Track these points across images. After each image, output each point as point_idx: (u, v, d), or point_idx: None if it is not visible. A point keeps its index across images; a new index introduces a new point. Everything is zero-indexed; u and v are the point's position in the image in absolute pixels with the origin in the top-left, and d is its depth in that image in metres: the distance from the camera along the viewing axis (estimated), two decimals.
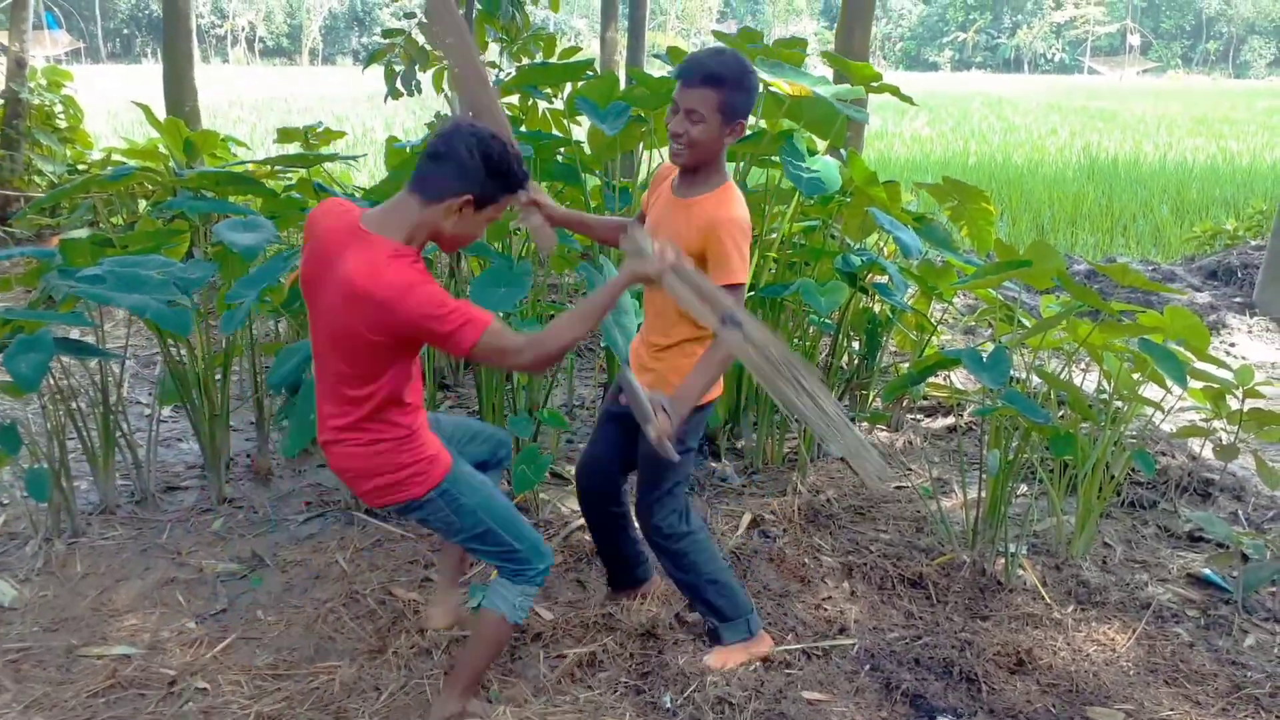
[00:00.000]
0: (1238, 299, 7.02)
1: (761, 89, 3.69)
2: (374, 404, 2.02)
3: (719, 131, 2.23)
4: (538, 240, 2.44)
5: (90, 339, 3.72)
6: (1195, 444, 4.15)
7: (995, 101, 30.79)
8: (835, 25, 6.45)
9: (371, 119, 19.08)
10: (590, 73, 4.00)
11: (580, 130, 4.64)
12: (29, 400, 3.72)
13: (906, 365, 4.45)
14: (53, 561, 3.00)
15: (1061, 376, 3.36)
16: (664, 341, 2.40)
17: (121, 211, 6.32)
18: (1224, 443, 3.67)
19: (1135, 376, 3.35)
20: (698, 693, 2.42)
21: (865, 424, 4.25)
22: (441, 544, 2.66)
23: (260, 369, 3.73)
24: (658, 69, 4.25)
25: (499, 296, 2.83)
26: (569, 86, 4.15)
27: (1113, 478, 3.27)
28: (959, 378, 4.90)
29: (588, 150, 4.07)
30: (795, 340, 3.97)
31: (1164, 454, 4.04)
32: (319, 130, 5.63)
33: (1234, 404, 3.59)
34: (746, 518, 3.39)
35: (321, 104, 22.52)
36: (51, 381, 3.14)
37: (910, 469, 4.02)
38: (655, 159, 4.35)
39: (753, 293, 3.74)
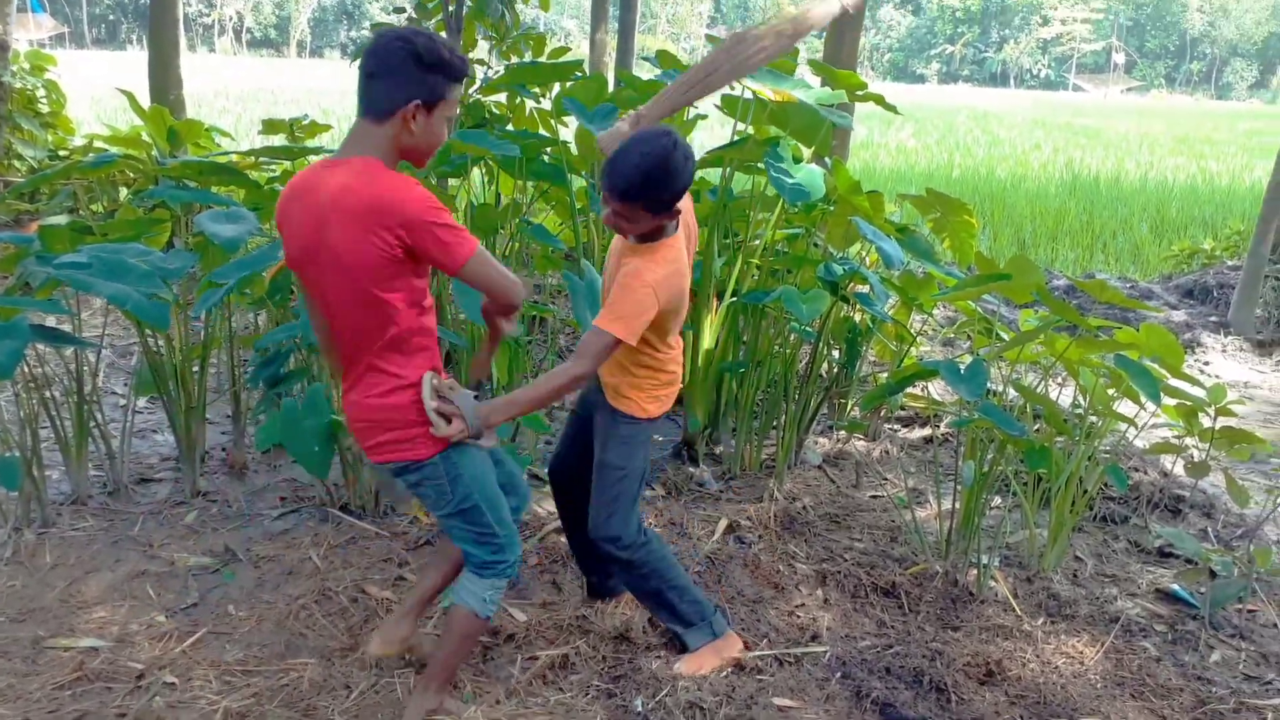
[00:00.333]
0: (1213, 318, 7.10)
1: (750, 95, 3.71)
2: (390, 343, 1.99)
3: (651, 221, 2.24)
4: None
5: (66, 327, 3.69)
6: (1167, 460, 4.20)
7: (981, 115, 31.02)
8: (824, 34, 6.47)
9: None
10: (579, 73, 4.01)
11: (567, 131, 4.65)
12: (2, 388, 3.68)
13: (885, 375, 4.47)
14: (21, 551, 2.96)
15: (1038, 390, 3.39)
16: (614, 361, 2.41)
17: (102, 199, 6.25)
18: (1195, 460, 3.72)
19: (1110, 392, 3.38)
20: (669, 697, 2.42)
21: (843, 432, 4.27)
22: (421, 570, 2.64)
23: (238, 362, 3.71)
24: (647, 72, 4.26)
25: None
26: (557, 86, 4.15)
27: (1085, 492, 3.30)
28: (937, 389, 4.93)
29: (574, 151, 4.08)
30: (776, 347, 3.99)
31: (1136, 469, 4.09)
32: (304, 123, 5.61)
33: (1206, 422, 3.63)
34: (723, 523, 3.40)
35: (308, 97, 22.41)
36: (26, 369, 3.11)
37: (886, 479, 4.04)
38: None
39: (735, 298, 3.75)
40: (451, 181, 4.80)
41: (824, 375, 4.31)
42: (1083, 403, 3.52)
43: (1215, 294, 7.66)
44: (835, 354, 4.31)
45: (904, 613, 2.95)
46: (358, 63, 1.99)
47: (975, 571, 3.13)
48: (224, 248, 3.10)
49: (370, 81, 1.92)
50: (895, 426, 4.61)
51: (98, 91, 16.91)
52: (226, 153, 4.56)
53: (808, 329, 3.73)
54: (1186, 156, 20.15)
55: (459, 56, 1.97)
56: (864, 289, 3.84)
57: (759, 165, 3.75)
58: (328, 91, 24.44)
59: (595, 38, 10.31)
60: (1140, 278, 8.78)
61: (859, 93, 4.00)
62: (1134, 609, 3.10)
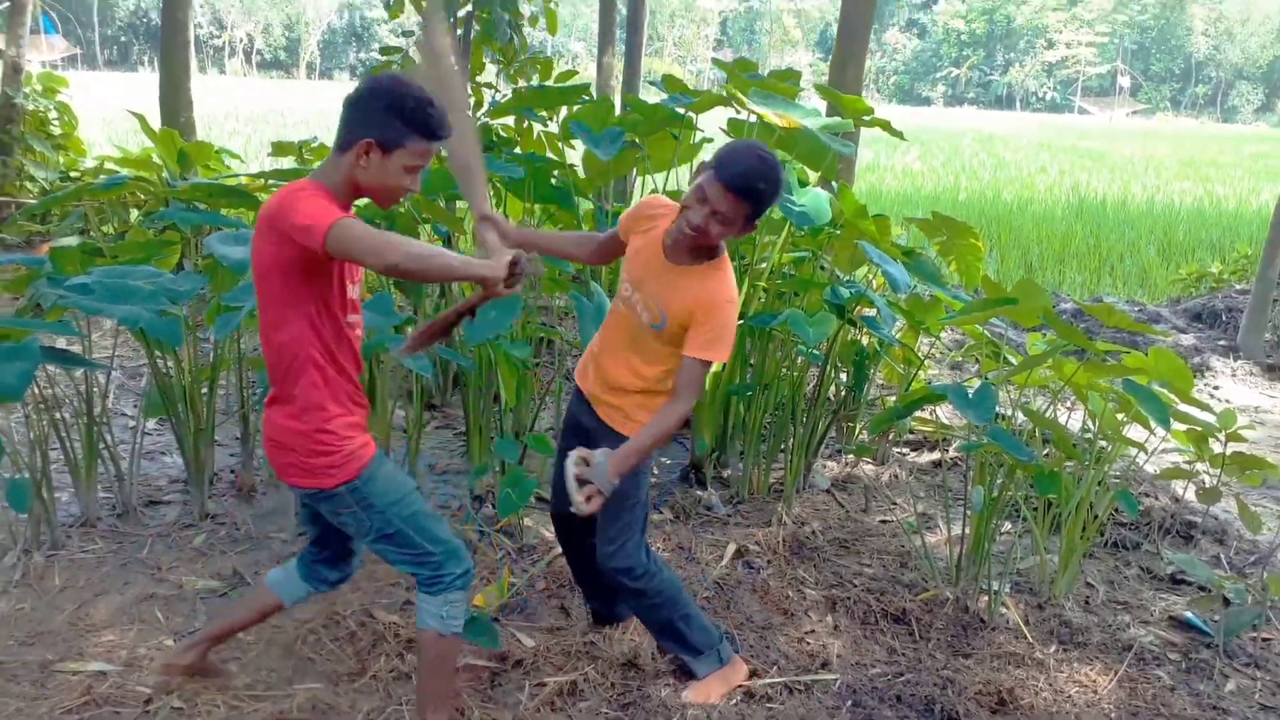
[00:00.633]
0: (1222, 342, 7.08)
1: (755, 119, 3.73)
2: (299, 365, 2.00)
3: (744, 228, 2.24)
4: (490, 253, 2.40)
5: (77, 348, 3.70)
6: (1178, 486, 4.17)
7: (986, 138, 31.11)
8: (830, 58, 6.51)
9: None
10: (586, 97, 4.03)
11: (575, 154, 4.67)
12: (12, 409, 3.69)
13: (893, 399, 4.46)
14: (30, 574, 2.96)
15: (1046, 415, 3.38)
16: (634, 385, 2.38)
17: (113, 220, 6.30)
18: (1207, 485, 3.69)
19: (1119, 417, 3.37)
20: None
21: (851, 456, 4.26)
22: (236, 602, 2.65)
23: (247, 384, 3.71)
24: (653, 95, 4.28)
25: (490, 320, 2.84)
26: (564, 110, 4.18)
27: (1096, 517, 3.28)
28: (945, 413, 4.92)
29: (582, 174, 4.10)
30: (783, 370, 3.98)
31: (1147, 495, 4.06)
32: (314, 145, 5.65)
33: (1217, 447, 3.61)
34: (731, 548, 3.38)
35: (318, 118, 22.51)
36: (36, 391, 3.12)
37: (895, 503, 4.02)
38: (648, 184, 4.38)
39: (742, 321, 3.75)
40: (460, 204, 4.82)
41: (831, 398, 4.30)
42: (1092, 427, 3.51)
43: (1224, 318, 7.64)
44: (843, 377, 4.31)
45: (914, 640, 2.93)
46: None
47: (986, 598, 3.11)
48: (233, 270, 3.11)
49: (343, 113, 2.00)
50: (904, 450, 4.60)
51: (109, 113, 17.05)
52: (236, 175, 4.59)
53: (815, 352, 3.73)
54: (1193, 180, 20.17)
55: (437, 118, 1.97)
56: (871, 312, 3.84)
57: None
58: (336, 113, 24.42)
59: (602, 61, 10.35)
60: (1148, 301, 8.77)
61: (865, 118, 4.02)
62: (1147, 637, 3.07)
